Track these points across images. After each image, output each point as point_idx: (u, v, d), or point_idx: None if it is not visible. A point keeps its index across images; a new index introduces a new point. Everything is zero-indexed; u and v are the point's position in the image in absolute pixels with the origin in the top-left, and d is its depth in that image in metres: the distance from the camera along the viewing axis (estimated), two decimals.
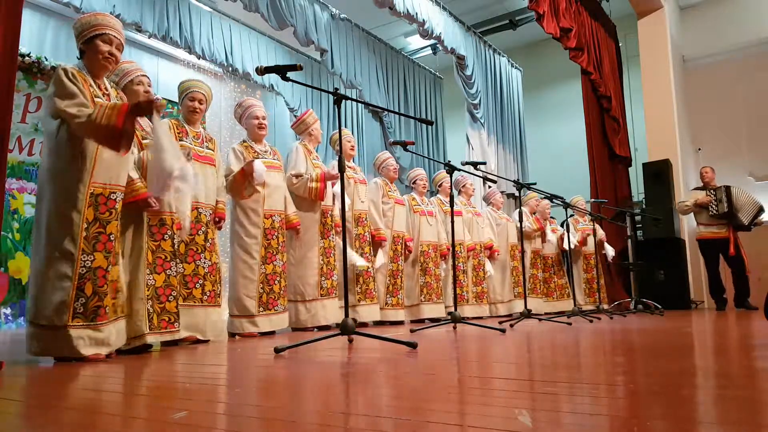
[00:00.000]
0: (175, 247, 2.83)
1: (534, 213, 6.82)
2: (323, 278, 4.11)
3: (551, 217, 7.29)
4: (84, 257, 2.27)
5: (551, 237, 6.77)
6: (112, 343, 2.34)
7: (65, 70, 2.35)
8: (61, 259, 2.24)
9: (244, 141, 3.90)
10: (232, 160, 3.73)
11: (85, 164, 2.30)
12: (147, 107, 2.35)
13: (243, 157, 3.74)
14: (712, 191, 6.73)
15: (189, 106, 3.32)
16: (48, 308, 2.21)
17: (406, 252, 5.13)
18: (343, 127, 3.20)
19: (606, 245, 7.00)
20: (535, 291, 6.60)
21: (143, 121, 2.81)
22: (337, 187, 4.14)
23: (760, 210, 6.60)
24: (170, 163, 2.41)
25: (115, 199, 2.40)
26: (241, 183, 3.63)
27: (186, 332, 3.00)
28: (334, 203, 4.28)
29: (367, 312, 4.48)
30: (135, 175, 2.61)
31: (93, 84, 2.42)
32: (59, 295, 2.22)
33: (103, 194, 2.35)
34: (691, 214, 7.10)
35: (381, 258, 4.75)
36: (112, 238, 2.36)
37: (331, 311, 4.09)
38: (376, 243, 4.76)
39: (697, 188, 6.99)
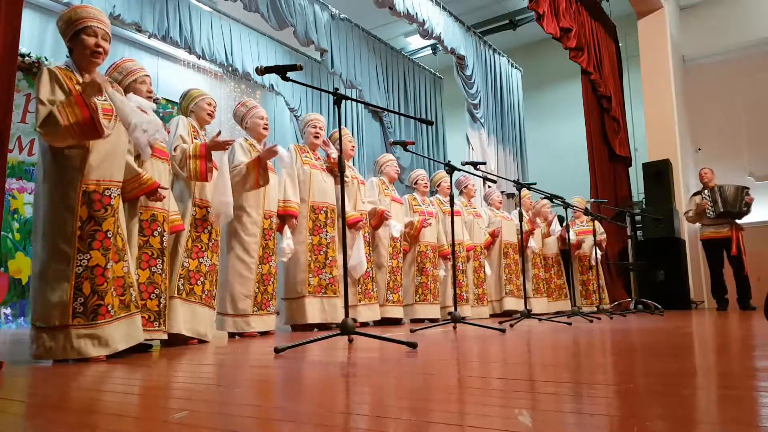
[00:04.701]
0: (164, 245, 2.78)
1: (528, 211, 6.81)
2: (311, 275, 4.06)
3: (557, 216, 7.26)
4: (80, 256, 2.24)
5: (555, 228, 6.60)
6: (116, 342, 2.29)
7: (49, 71, 2.30)
8: (56, 259, 2.22)
9: (246, 139, 3.87)
10: (239, 153, 3.68)
11: (75, 163, 2.28)
12: (95, 85, 2.26)
13: (250, 154, 3.71)
14: (707, 194, 6.72)
15: (206, 109, 3.40)
16: (48, 309, 2.20)
17: (403, 249, 5.13)
18: (342, 126, 3.18)
19: (596, 248, 6.86)
20: (539, 291, 6.59)
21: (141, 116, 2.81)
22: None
23: (742, 191, 6.55)
24: (129, 118, 2.39)
25: (110, 195, 2.37)
26: (255, 171, 3.60)
27: (189, 333, 3.01)
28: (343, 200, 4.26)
29: (368, 312, 4.48)
30: (140, 169, 2.62)
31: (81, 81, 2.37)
32: (57, 295, 2.21)
33: (97, 191, 2.32)
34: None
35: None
36: (109, 235, 2.33)
37: (318, 310, 4.02)
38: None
39: (696, 192, 6.96)
